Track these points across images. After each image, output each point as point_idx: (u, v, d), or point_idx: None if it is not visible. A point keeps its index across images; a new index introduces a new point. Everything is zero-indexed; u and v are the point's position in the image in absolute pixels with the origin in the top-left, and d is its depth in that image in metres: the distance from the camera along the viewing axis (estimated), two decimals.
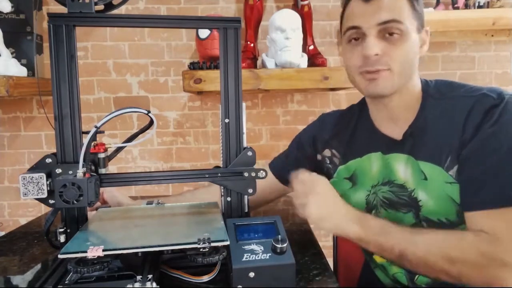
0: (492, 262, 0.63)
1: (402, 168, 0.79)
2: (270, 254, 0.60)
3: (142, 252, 0.59)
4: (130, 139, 0.76)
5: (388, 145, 0.81)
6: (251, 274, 0.58)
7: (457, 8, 1.57)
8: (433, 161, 0.74)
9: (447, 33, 1.66)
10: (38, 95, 1.69)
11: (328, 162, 0.92)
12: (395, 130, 0.80)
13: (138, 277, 0.55)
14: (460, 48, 1.75)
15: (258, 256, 0.59)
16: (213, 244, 0.59)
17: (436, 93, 0.78)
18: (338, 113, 0.96)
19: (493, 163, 0.68)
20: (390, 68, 0.74)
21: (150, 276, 0.56)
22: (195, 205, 0.80)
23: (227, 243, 0.59)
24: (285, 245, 0.61)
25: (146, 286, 0.54)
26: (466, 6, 1.57)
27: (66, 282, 0.57)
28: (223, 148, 0.73)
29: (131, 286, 0.54)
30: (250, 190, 0.73)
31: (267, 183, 0.94)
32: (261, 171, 0.73)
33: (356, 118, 0.89)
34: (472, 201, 0.70)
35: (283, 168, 0.97)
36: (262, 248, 0.61)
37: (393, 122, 0.81)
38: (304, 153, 0.96)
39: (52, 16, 0.65)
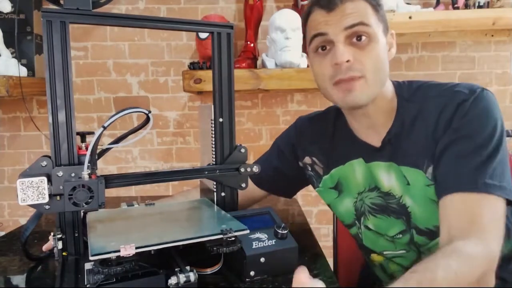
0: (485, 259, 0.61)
1: (385, 176, 0.77)
2: (275, 240, 0.66)
3: (155, 250, 0.59)
4: (120, 139, 0.75)
5: (368, 152, 0.79)
6: (262, 259, 0.64)
7: (457, 8, 1.57)
8: (414, 165, 0.73)
9: (447, 33, 1.66)
10: (38, 95, 1.69)
11: (309, 169, 0.90)
12: (374, 137, 0.78)
13: (177, 270, 0.57)
14: (460, 48, 1.75)
15: (265, 243, 0.65)
16: (235, 234, 0.61)
17: (411, 96, 0.76)
18: (315, 118, 0.92)
19: (465, 151, 0.67)
20: (363, 76, 0.71)
21: (188, 268, 0.58)
22: (189, 203, 0.81)
23: (247, 231, 0.62)
24: (286, 231, 0.67)
25: (191, 279, 0.56)
26: (466, 6, 1.57)
27: (87, 284, 0.57)
28: (215, 146, 0.76)
29: (175, 280, 0.56)
30: (243, 185, 0.77)
31: (248, 189, 0.88)
32: (255, 166, 0.77)
33: (333, 124, 0.86)
34: (444, 187, 0.68)
35: (263, 179, 0.92)
36: (266, 235, 0.67)
37: (372, 129, 0.79)
38: (285, 161, 0.93)
39: (45, 11, 0.63)
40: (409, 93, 0.77)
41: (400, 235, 0.79)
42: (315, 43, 0.74)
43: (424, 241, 0.77)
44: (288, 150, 0.93)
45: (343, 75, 0.71)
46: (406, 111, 0.75)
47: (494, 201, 0.65)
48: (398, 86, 0.79)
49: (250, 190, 0.87)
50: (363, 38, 0.70)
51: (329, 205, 0.91)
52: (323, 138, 0.87)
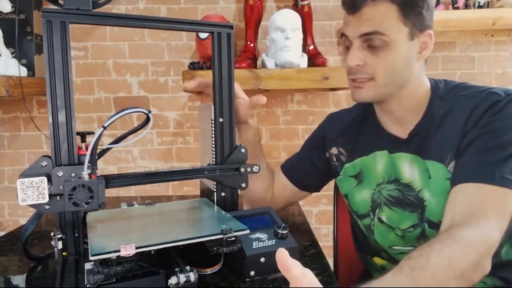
0: (483, 246, 0.60)
1: (408, 168, 0.79)
2: (275, 240, 0.66)
3: (155, 250, 0.59)
4: (120, 139, 0.75)
5: (393, 144, 0.82)
6: (262, 259, 0.64)
7: (457, 8, 1.57)
8: (437, 159, 0.75)
9: (447, 33, 1.67)
10: (38, 95, 1.69)
11: (334, 160, 0.93)
12: (401, 129, 0.81)
13: (177, 270, 0.57)
14: (460, 48, 1.75)
15: (265, 243, 0.65)
16: (235, 234, 0.61)
17: (445, 94, 0.78)
18: (345, 111, 0.97)
19: (487, 146, 0.69)
20: (373, 78, 0.74)
21: (188, 268, 0.57)
22: (189, 203, 0.81)
23: (247, 231, 0.62)
24: (286, 231, 0.67)
25: (191, 279, 0.56)
26: (466, 6, 1.57)
27: (87, 284, 0.57)
28: (215, 146, 0.76)
29: (175, 280, 0.55)
30: (243, 185, 0.78)
31: (279, 185, 0.97)
32: (255, 166, 0.77)
33: (362, 116, 0.90)
34: (460, 176, 0.70)
35: (294, 168, 0.98)
36: (266, 235, 0.67)
37: (398, 122, 0.81)
38: (317, 153, 0.96)
39: (45, 11, 0.63)
40: (444, 91, 0.79)
41: (412, 229, 0.80)
42: (342, 41, 0.79)
43: (435, 235, 0.77)
44: (318, 142, 0.97)
45: (353, 76, 0.77)
46: (438, 108, 0.77)
47: (508, 196, 0.65)
48: (435, 84, 0.81)
49: (287, 187, 0.96)
50: (377, 44, 0.72)
51: (345, 196, 0.92)
52: (351, 128, 0.91)
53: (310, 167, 0.97)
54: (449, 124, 0.75)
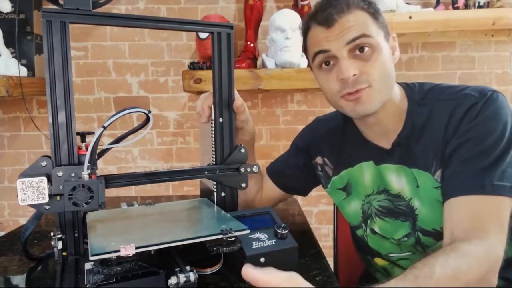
0: (487, 261, 0.61)
1: (395, 178, 0.78)
2: (275, 240, 0.66)
3: (155, 250, 0.59)
4: (120, 139, 0.75)
5: (378, 155, 0.80)
6: (262, 259, 0.64)
7: (457, 8, 1.57)
8: (423, 168, 0.74)
9: (447, 33, 1.66)
10: (38, 95, 1.69)
11: (319, 169, 0.91)
12: (385, 139, 0.79)
13: (177, 270, 0.56)
14: (460, 48, 1.75)
15: (265, 243, 0.66)
16: (235, 234, 0.61)
17: (421, 99, 0.77)
18: (329, 118, 0.94)
19: (472, 154, 0.68)
20: (370, 85, 0.71)
21: (188, 268, 0.57)
22: (189, 203, 0.81)
23: (247, 231, 0.62)
24: (286, 231, 0.67)
25: (191, 279, 0.56)
26: (466, 6, 1.57)
27: (87, 284, 0.57)
28: (215, 146, 0.76)
29: (175, 280, 0.55)
30: (243, 185, 0.77)
31: (267, 187, 0.96)
32: (255, 166, 0.77)
33: (344, 125, 0.88)
34: (451, 189, 0.69)
35: (280, 173, 0.96)
36: (266, 235, 0.67)
37: (382, 133, 0.79)
38: (302, 159, 0.94)
39: (45, 11, 0.63)
40: (420, 96, 0.77)
41: (406, 238, 0.79)
42: (318, 60, 0.74)
43: (431, 242, 0.77)
44: (304, 147, 0.94)
45: (350, 89, 0.71)
46: (417, 114, 0.76)
47: (502, 203, 0.65)
48: (408, 89, 0.79)
49: (269, 190, 0.95)
50: (366, 49, 0.70)
51: (338, 206, 0.91)
52: (334, 138, 0.88)
53: (296, 173, 0.95)
54: (430, 131, 0.73)
